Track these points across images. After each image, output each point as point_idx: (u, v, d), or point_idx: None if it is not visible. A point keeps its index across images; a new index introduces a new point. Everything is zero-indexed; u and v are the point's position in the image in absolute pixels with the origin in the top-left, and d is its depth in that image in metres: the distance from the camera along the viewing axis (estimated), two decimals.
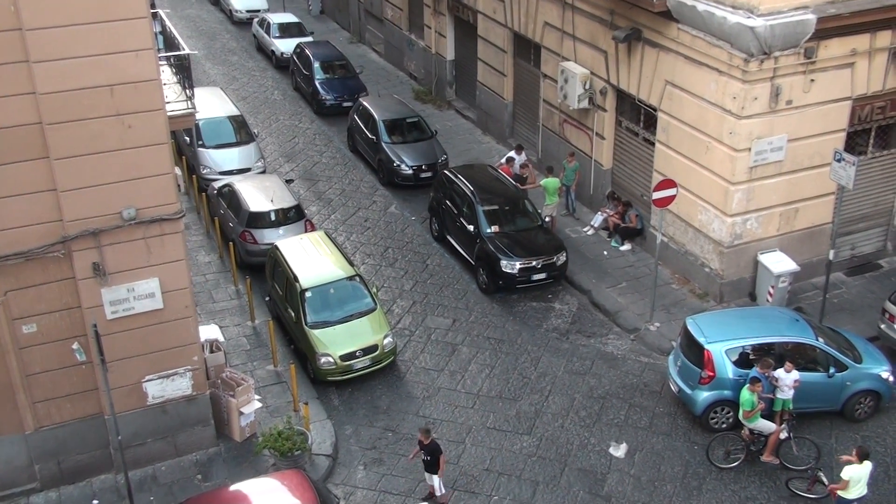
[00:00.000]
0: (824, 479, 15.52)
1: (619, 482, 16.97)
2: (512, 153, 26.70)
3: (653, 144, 22.82)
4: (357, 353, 19.29)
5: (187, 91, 16.48)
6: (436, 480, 16.29)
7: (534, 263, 22.18)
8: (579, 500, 16.61)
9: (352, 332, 19.50)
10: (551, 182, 24.53)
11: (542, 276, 22.34)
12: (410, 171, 27.53)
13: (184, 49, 16.91)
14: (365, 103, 29.95)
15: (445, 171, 25.28)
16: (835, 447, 17.51)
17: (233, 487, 15.14)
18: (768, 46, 18.90)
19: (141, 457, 16.89)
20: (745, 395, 16.51)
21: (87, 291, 15.27)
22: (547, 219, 24.20)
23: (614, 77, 23.62)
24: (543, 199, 24.55)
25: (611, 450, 17.64)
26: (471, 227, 23.12)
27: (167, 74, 16.88)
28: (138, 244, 15.31)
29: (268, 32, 39.23)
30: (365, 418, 18.70)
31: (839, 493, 15.05)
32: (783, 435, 16.89)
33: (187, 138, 27.87)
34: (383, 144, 28.14)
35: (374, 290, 21.05)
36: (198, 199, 26.14)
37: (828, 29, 19.31)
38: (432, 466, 16.15)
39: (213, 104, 28.21)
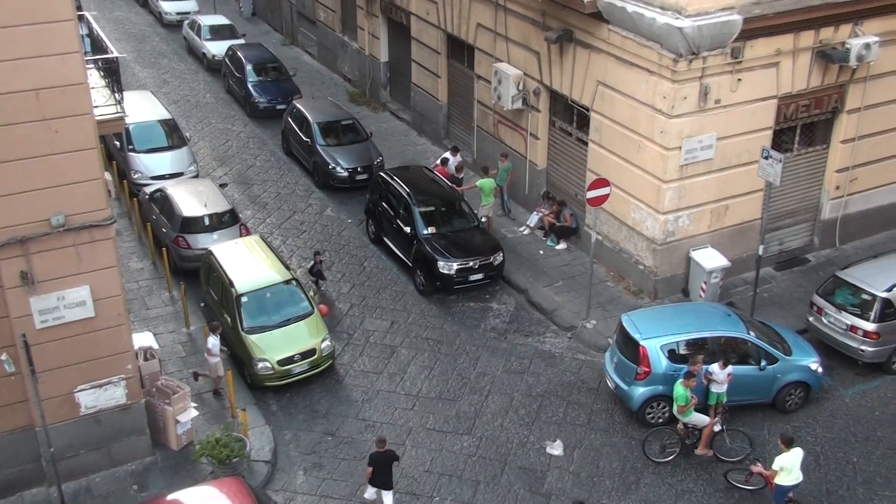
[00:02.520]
0: (761, 467, 15.83)
1: (559, 479, 17.12)
2: (447, 154, 26.77)
3: (586, 144, 23.08)
4: (295, 358, 19.16)
5: (116, 95, 16.22)
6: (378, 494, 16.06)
7: (471, 264, 22.26)
8: (520, 498, 16.72)
9: (289, 337, 19.36)
10: (487, 183, 24.65)
11: (480, 276, 22.44)
12: (346, 174, 27.43)
13: (112, 52, 16.64)
14: (299, 106, 29.76)
15: (381, 173, 25.24)
16: (767, 438, 17.91)
17: (170, 497, 14.93)
18: (696, 47, 19.25)
19: (74, 469, 16.55)
20: (679, 390, 16.80)
21: (16, 300, 14.92)
22: (483, 219, 24.32)
23: (547, 78, 23.83)
24: (479, 200, 24.66)
25: (548, 449, 17.79)
26: (407, 229, 23.12)
27: (95, 78, 16.59)
28: (68, 251, 15.01)
29: (198, 35, 38.72)
30: (304, 423, 18.58)
31: (775, 481, 15.39)
32: (717, 427, 17.22)
33: (117, 143, 27.39)
34: (318, 147, 27.99)
35: (312, 293, 20.91)
36: (129, 205, 25.69)
37: (753, 29, 19.75)
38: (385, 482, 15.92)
39: (143, 108, 27.76)
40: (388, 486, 15.94)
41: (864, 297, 19.14)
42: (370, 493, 16.12)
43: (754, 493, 16.57)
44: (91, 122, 14.68)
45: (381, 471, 15.78)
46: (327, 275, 22.94)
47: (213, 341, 18.64)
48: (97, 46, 17.34)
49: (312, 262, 22.47)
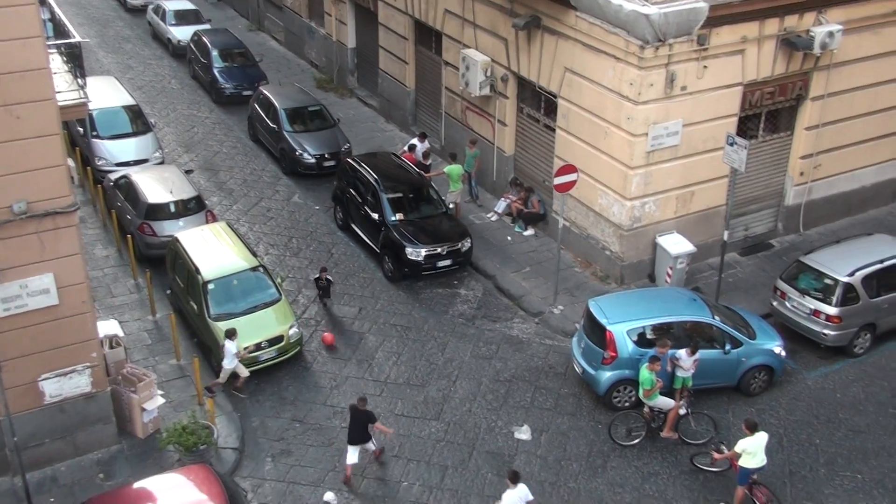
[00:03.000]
0: (725, 450, 16.05)
1: (527, 463, 17.24)
2: (414, 140, 26.73)
3: (553, 130, 23.15)
4: (262, 345, 19.09)
5: (79, 80, 15.99)
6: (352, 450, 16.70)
7: (439, 250, 22.28)
8: (488, 482, 16.82)
9: (256, 324, 19.27)
10: (455, 169, 24.65)
11: (448, 262, 22.47)
12: (313, 160, 27.31)
13: (75, 37, 16.39)
14: (265, 92, 29.55)
15: (349, 160, 25.16)
16: (731, 421, 18.13)
17: (137, 485, 14.85)
18: (663, 34, 19.35)
19: (39, 458, 16.40)
20: (645, 374, 16.96)
21: None
22: (451, 205, 24.32)
23: (515, 64, 23.85)
24: (448, 187, 24.67)
25: (516, 434, 17.88)
26: (375, 216, 23.08)
27: (57, 63, 16.35)
28: (30, 239, 14.85)
29: (163, 20, 38.28)
30: (272, 410, 18.54)
31: (739, 464, 15.60)
32: (682, 411, 17.42)
33: (80, 129, 27.06)
34: (285, 133, 27.84)
35: (279, 280, 20.84)
36: (93, 192, 25.41)
37: (719, 17, 19.88)
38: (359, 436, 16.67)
39: (107, 94, 27.43)
40: (356, 442, 16.49)
41: (827, 281, 19.42)
42: (329, 496, 15.99)
43: (719, 475, 16.79)
44: (53, 108, 14.51)
45: (356, 426, 16.41)
46: (332, 291, 21.66)
47: (232, 346, 18.27)
48: (59, 31, 17.08)
49: (318, 276, 21.63)
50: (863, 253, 19.89)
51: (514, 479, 15.02)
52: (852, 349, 19.75)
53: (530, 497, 15.05)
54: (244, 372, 18.63)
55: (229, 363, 18.35)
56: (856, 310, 19.27)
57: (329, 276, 21.57)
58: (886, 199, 25.11)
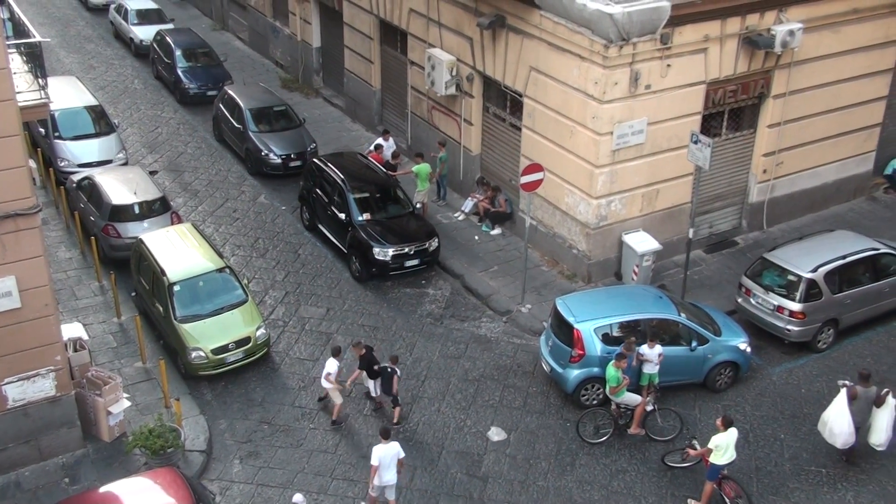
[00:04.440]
0: (697, 447, 16.17)
1: (496, 462, 17.28)
2: (380, 140, 26.68)
3: (519, 129, 23.21)
4: (229, 346, 18.97)
5: (40, 80, 15.80)
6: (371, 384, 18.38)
7: (406, 250, 22.27)
8: (457, 481, 16.84)
9: (223, 325, 19.16)
10: (423, 168, 24.65)
11: (415, 262, 22.46)
12: (279, 161, 27.18)
13: (35, 36, 16.19)
14: (230, 92, 29.36)
15: (315, 160, 25.06)
16: (698, 417, 18.30)
17: (103, 489, 14.69)
18: (626, 33, 19.47)
19: (3, 463, 16.20)
20: (611, 371, 17.06)
21: None
22: (418, 205, 24.31)
23: (480, 63, 23.89)
24: (415, 186, 24.65)
25: (492, 437, 17.80)
26: (342, 216, 23.02)
27: (17, 63, 16.14)
28: None
29: (125, 19, 37.91)
30: (239, 412, 18.42)
31: (710, 459, 15.74)
32: (649, 407, 17.54)
33: (42, 130, 26.73)
34: (250, 133, 27.68)
35: (245, 281, 20.72)
36: (56, 193, 25.11)
37: (682, 16, 20.04)
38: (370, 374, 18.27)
39: (68, 94, 27.14)
40: (377, 376, 18.28)
41: (790, 278, 19.63)
42: (298, 497, 15.55)
43: (687, 471, 16.93)
44: (13, 109, 14.35)
45: (370, 368, 18.19)
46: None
47: (333, 365, 17.94)
48: (19, 30, 16.86)
49: (385, 367, 18.52)
50: (825, 249, 20.14)
51: (386, 435, 15.60)
52: (816, 344, 20.00)
53: (402, 454, 15.56)
54: (338, 399, 18.17)
55: (329, 385, 18.10)
56: (819, 305, 19.51)
57: (365, 346, 18.60)
58: (848, 196, 25.46)
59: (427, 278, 22.85)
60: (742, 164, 23.52)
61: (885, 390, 16.77)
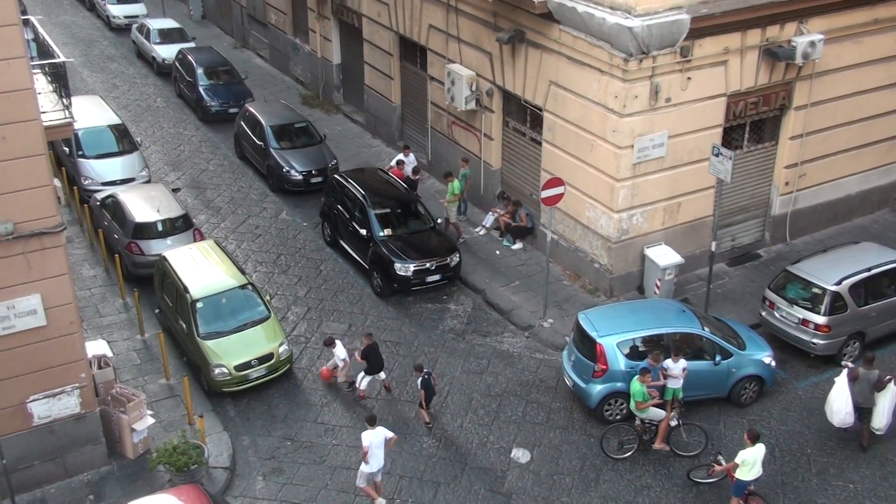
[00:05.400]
0: (723, 462, 16.03)
1: (519, 478, 17.19)
2: (401, 156, 26.75)
3: (540, 144, 23.21)
4: (252, 363, 19.02)
5: (64, 100, 15.97)
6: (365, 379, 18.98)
7: (428, 265, 22.27)
8: (480, 498, 16.76)
9: (246, 342, 19.21)
10: (457, 185, 24.68)
11: (437, 277, 22.45)
12: (300, 177, 27.30)
13: (59, 57, 16.38)
14: (251, 109, 29.55)
15: (336, 176, 25.14)
16: (723, 432, 18.15)
17: None
18: (646, 46, 19.45)
19: (28, 480, 16.27)
20: (636, 386, 16.95)
21: None
22: (439, 220, 24.27)
23: (500, 78, 23.92)
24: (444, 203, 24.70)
25: (518, 458, 17.67)
26: (363, 231, 23.07)
27: (42, 83, 16.33)
28: (17, 259, 14.77)
29: (148, 38, 38.28)
30: (262, 428, 18.44)
31: (736, 475, 15.60)
32: (673, 422, 17.40)
33: (66, 149, 26.98)
34: (272, 150, 27.83)
35: (268, 297, 20.79)
36: (80, 212, 25.31)
37: (701, 28, 20.00)
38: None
39: (92, 113, 27.41)
40: (381, 368, 19.14)
41: (815, 290, 19.47)
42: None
43: (713, 486, 16.78)
44: (38, 128, 14.48)
45: (374, 358, 18.84)
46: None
47: (343, 350, 19.37)
48: (43, 51, 17.07)
49: (421, 378, 18.34)
50: (850, 261, 19.96)
51: (372, 421, 16.20)
52: (841, 358, 19.79)
53: (390, 434, 16.21)
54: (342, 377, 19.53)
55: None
56: (844, 318, 19.33)
57: (426, 370, 18.41)
58: (872, 207, 25.26)
59: (449, 293, 22.84)
60: (764, 176, 23.39)
61: (888, 377, 17.06)
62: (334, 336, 19.66)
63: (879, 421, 17.35)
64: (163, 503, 14.63)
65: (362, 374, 19.05)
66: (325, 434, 18.23)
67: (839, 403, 17.29)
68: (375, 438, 16.00)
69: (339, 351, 19.20)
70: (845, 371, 17.39)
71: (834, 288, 19.22)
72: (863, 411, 17.37)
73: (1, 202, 14.35)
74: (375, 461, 16.09)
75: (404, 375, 19.89)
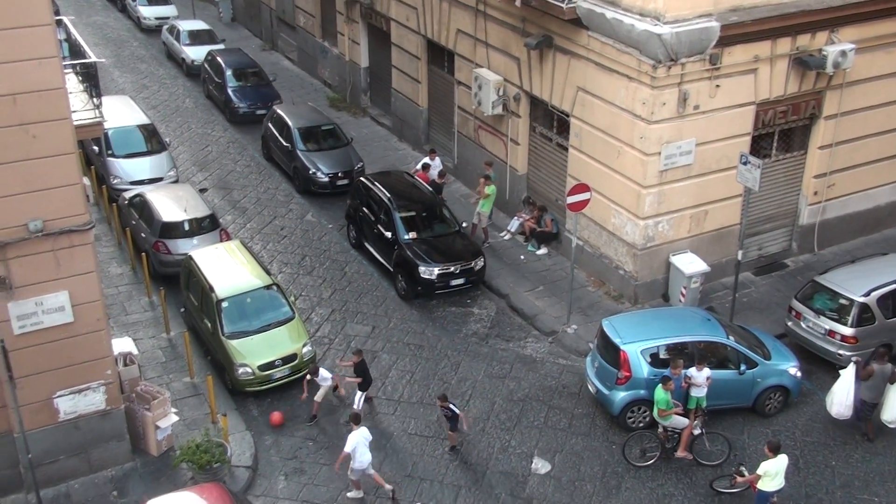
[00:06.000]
0: (746, 473, 15.91)
1: (541, 484, 17.15)
2: (426, 159, 26.78)
3: (566, 149, 23.17)
4: (276, 363, 19.10)
5: (95, 100, 16.13)
6: (358, 395, 18.50)
7: (452, 269, 22.28)
8: (501, 502, 16.74)
9: (270, 342, 19.31)
10: (493, 189, 24.63)
11: (461, 281, 22.46)
12: (327, 179, 27.40)
13: (90, 57, 16.55)
14: (279, 111, 29.70)
15: (362, 178, 25.22)
16: (747, 442, 18.01)
17: (150, 503, 14.82)
18: (675, 53, 19.38)
19: (53, 475, 16.42)
20: (660, 393, 16.86)
21: None
22: (465, 224, 24.23)
23: (527, 83, 23.91)
24: (479, 206, 24.68)
25: (534, 467, 17.55)
26: (388, 234, 23.12)
27: (73, 83, 16.50)
28: (46, 256, 14.92)
29: (178, 40, 38.59)
30: (285, 428, 18.51)
31: (758, 486, 15.48)
32: (696, 431, 17.29)
33: (96, 148, 27.24)
34: (298, 152, 27.96)
35: (292, 298, 20.87)
36: (108, 210, 25.55)
37: (731, 36, 19.90)
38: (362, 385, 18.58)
39: (122, 113, 27.65)
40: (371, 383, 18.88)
41: (842, 301, 19.29)
42: (353, 493, 16.46)
43: (735, 497, 16.65)
44: (69, 127, 14.62)
45: (367, 373, 18.63)
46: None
47: (327, 373, 18.82)
48: (75, 51, 17.25)
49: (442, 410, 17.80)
50: (878, 273, 19.76)
51: (356, 420, 16.48)
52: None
53: (370, 436, 16.45)
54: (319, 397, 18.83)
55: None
56: (871, 330, 19.13)
57: (447, 404, 17.51)
58: None
59: (472, 297, 22.83)
60: (792, 185, 23.22)
61: None
62: (318, 366, 18.97)
63: (891, 414, 17.58)
64: (185, 501, 14.71)
65: (359, 393, 18.61)
66: (346, 435, 18.21)
67: (840, 395, 17.64)
68: (361, 437, 16.25)
69: (324, 373, 18.60)
70: (852, 364, 17.65)
71: (862, 299, 19.04)
72: (872, 406, 17.70)
73: (31, 200, 14.50)
74: (364, 458, 16.28)
75: (426, 378, 19.90)
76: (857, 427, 18.10)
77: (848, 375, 17.55)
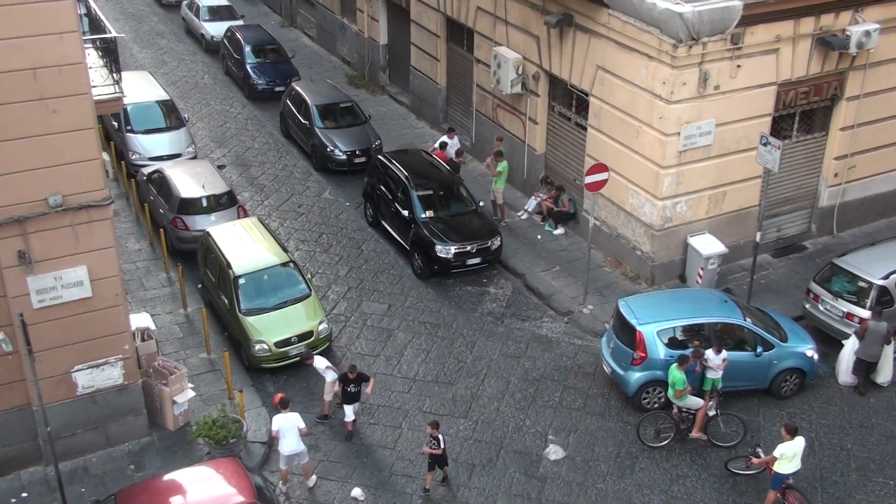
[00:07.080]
0: (761, 454, 15.90)
1: (555, 463, 17.19)
2: (445, 138, 26.70)
3: (585, 129, 23.05)
4: (292, 340, 19.19)
5: (114, 75, 16.15)
6: (349, 409, 17.58)
7: (468, 248, 22.27)
8: (515, 481, 16.80)
9: (286, 319, 19.38)
10: (505, 165, 24.59)
11: (477, 260, 22.45)
12: (344, 157, 27.39)
13: (110, 32, 16.56)
14: (297, 88, 29.67)
15: (379, 157, 25.20)
16: (762, 424, 17.99)
17: (167, 477, 14.99)
18: (696, 32, 19.21)
19: (71, 448, 16.60)
20: (675, 374, 16.85)
21: (13, 280, 14.94)
22: (482, 203, 24.20)
23: (546, 62, 23.77)
24: (493, 184, 24.65)
25: (550, 455, 17.49)
26: (405, 212, 23.11)
27: (93, 58, 16.53)
28: (65, 231, 15.02)
29: (197, 15, 38.56)
30: (300, 405, 18.59)
31: (774, 468, 15.46)
32: (711, 412, 17.28)
33: (115, 123, 27.32)
34: (317, 129, 27.94)
35: (309, 276, 20.94)
36: (127, 186, 25.65)
37: (753, 15, 19.70)
38: (353, 397, 17.51)
39: (141, 88, 27.68)
40: (354, 401, 17.67)
41: (861, 284, 19.19)
42: (356, 492, 16.40)
43: (750, 478, 16.65)
44: (89, 102, 14.66)
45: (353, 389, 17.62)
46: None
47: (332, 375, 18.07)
48: (95, 26, 17.27)
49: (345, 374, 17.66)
50: None
51: (285, 405, 16.12)
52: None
53: (302, 424, 16.12)
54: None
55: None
56: (890, 313, 19.00)
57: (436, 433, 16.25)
58: None
59: (489, 277, 22.83)
60: (812, 167, 23.03)
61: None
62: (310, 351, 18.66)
63: (886, 375, 18.40)
64: (201, 475, 14.86)
65: (348, 407, 17.64)
66: (362, 413, 18.33)
67: (846, 363, 18.65)
68: (286, 422, 15.98)
69: (320, 362, 17.99)
70: (853, 336, 18.49)
71: (881, 282, 18.94)
72: (868, 365, 18.41)
73: (50, 174, 14.58)
74: (287, 444, 16.03)
75: (441, 357, 19.95)
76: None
77: (851, 343, 18.42)
